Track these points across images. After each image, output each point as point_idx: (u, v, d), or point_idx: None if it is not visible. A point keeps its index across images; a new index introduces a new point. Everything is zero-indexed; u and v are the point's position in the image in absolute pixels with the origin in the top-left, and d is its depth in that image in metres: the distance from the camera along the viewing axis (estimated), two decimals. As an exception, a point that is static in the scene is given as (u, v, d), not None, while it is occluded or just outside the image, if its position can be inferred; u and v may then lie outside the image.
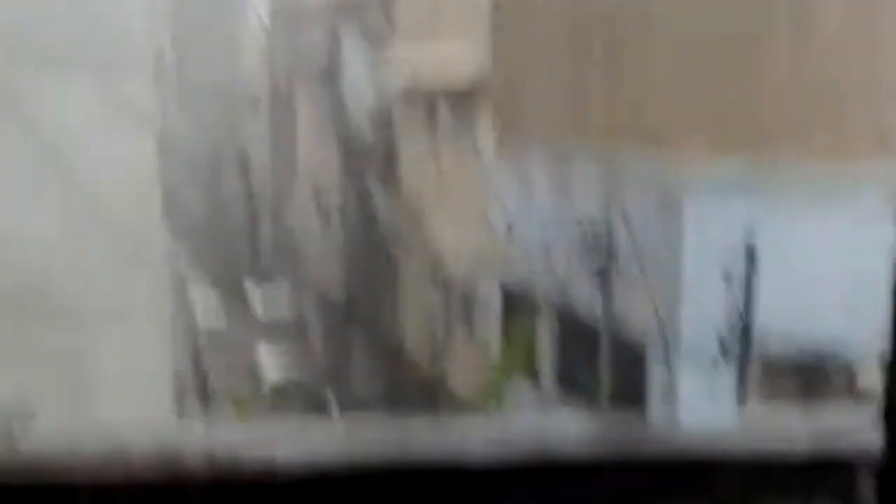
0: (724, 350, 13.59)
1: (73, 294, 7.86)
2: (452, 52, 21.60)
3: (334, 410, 25.21)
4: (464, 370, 20.04)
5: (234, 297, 35.55)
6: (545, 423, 2.53)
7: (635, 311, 15.75)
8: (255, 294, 35.14)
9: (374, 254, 25.77)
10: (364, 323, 26.01)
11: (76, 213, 7.17)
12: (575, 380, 16.69)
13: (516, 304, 18.66)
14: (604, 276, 16.39)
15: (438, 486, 2.23)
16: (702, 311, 14.05)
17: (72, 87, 6.83)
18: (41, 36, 7.37)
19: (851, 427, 2.38)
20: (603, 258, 16.39)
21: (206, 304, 34.22)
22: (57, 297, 7.81)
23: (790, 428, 2.51)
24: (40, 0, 7.15)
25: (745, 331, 14.20)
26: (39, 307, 7.60)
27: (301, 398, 27.07)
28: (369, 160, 25.57)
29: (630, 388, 14.65)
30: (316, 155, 29.87)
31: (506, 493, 2.27)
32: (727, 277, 13.48)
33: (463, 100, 21.76)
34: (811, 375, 13.93)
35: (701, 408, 12.06)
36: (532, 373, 17.52)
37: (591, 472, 2.31)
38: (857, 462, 2.23)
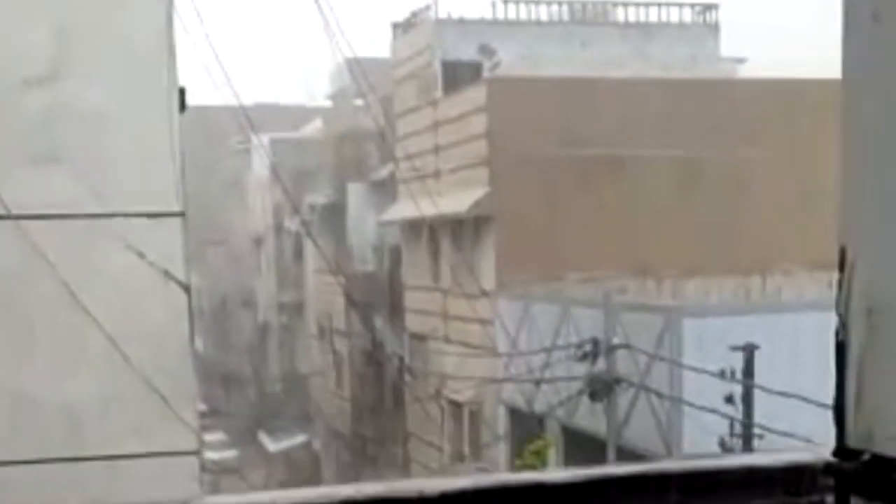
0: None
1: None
2: (454, 191, 22.39)
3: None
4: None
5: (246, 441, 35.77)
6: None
7: (639, 424, 16.07)
8: (268, 440, 35.44)
9: (381, 386, 26.10)
10: (372, 455, 26.20)
11: (111, 372, 7.36)
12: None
13: (521, 423, 18.98)
14: (607, 394, 16.67)
15: None
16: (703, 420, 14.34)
17: (104, 250, 7.14)
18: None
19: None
20: (605, 377, 16.72)
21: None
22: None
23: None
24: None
25: (746, 441, 14.47)
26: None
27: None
28: (374, 294, 26.14)
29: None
30: (322, 296, 30.44)
31: None
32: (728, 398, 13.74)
33: (464, 232, 22.45)
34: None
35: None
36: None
37: None
38: None
